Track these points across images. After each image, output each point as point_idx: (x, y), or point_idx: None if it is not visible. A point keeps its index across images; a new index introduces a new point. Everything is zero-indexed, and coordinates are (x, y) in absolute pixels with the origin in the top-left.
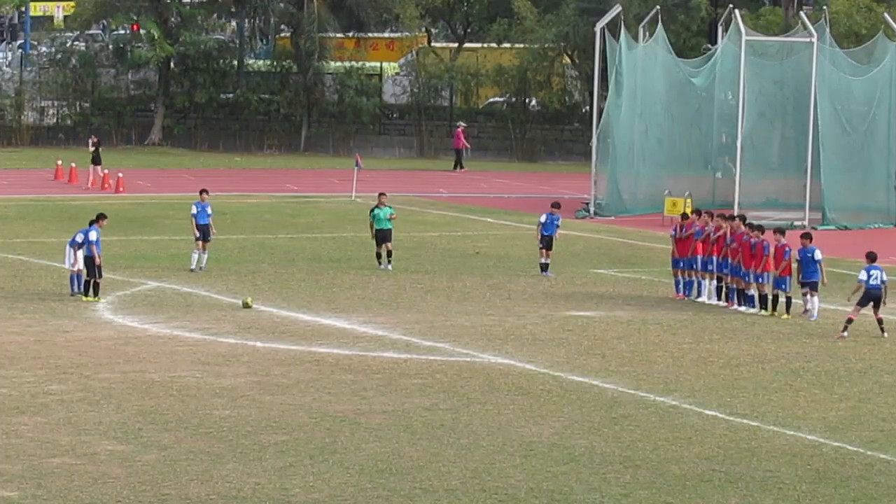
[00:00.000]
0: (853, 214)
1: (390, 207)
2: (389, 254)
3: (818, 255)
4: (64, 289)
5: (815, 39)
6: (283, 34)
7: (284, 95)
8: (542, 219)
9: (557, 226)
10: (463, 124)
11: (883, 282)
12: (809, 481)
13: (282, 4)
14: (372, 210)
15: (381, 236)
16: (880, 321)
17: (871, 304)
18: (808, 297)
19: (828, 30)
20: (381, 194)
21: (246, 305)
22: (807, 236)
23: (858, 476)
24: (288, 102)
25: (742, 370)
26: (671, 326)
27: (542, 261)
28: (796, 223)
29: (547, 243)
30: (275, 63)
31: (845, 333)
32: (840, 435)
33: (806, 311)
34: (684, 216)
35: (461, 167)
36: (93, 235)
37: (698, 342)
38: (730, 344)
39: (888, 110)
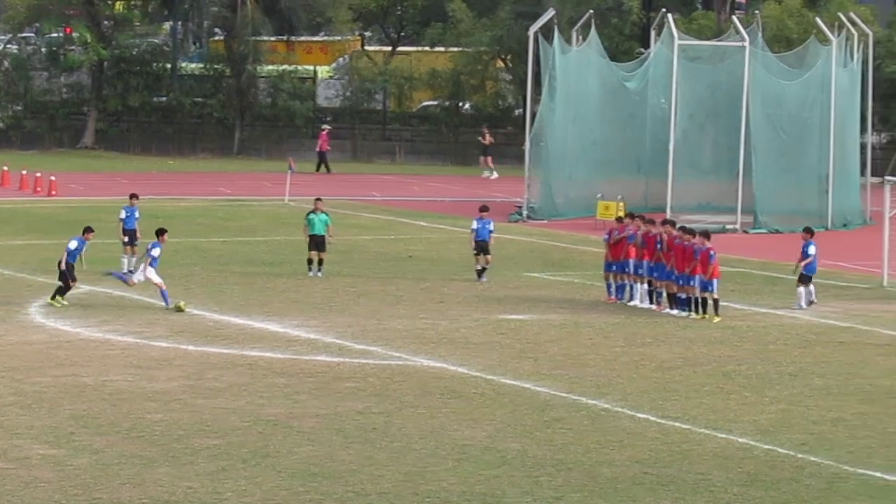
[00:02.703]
0: (785, 218)
1: (326, 214)
2: (321, 262)
3: (810, 249)
4: None
5: (747, 44)
6: (216, 37)
7: (218, 99)
8: (474, 225)
9: (490, 230)
10: (327, 126)
11: None
12: (741, 484)
13: (215, 8)
14: (307, 215)
15: (316, 242)
16: None
17: None
18: (804, 288)
19: (760, 34)
20: (317, 199)
21: (179, 309)
22: (807, 230)
23: (789, 479)
24: (221, 106)
25: (674, 373)
26: (603, 330)
27: (478, 267)
28: (728, 227)
29: (482, 248)
30: (208, 66)
31: None
32: (771, 438)
33: (812, 301)
34: (619, 220)
35: (327, 170)
36: (72, 244)
37: (630, 345)
38: (662, 347)
39: (820, 114)
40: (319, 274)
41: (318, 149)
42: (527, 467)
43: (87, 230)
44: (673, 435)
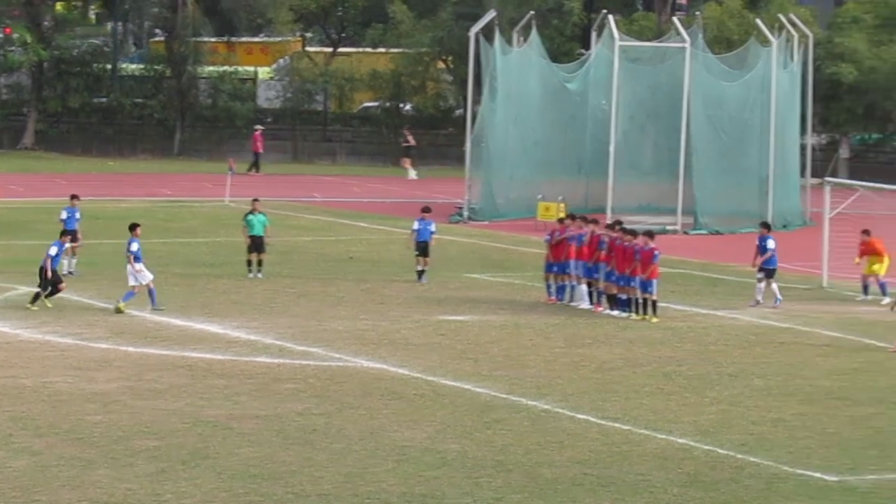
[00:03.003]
0: (725, 219)
1: (264, 215)
2: (260, 263)
3: (770, 243)
4: None
5: (687, 45)
6: (156, 38)
7: (158, 100)
8: (415, 226)
9: (432, 231)
10: (260, 127)
11: None
12: (680, 484)
13: (155, 9)
14: (246, 216)
15: (255, 243)
16: None
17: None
18: (762, 284)
19: (701, 35)
20: (254, 200)
21: (118, 311)
22: (764, 225)
23: (729, 479)
24: (162, 107)
25: (614, 374)
26: (544, 331)
27: (419, 268)
28: (669, 228)
29: (422, 250)
30: (148, 67)
31: None
32: (711, 438)
33: (757, 302)
34: (561, 221)
35: (248, 169)
36: (52, 250)
37: (571, 346)
38: (602, 348)
39: (760, 116)
40: (259, 275)
41: (253, 149)
42: (467, 468)
43: (65, 233)
44: (613, 436)
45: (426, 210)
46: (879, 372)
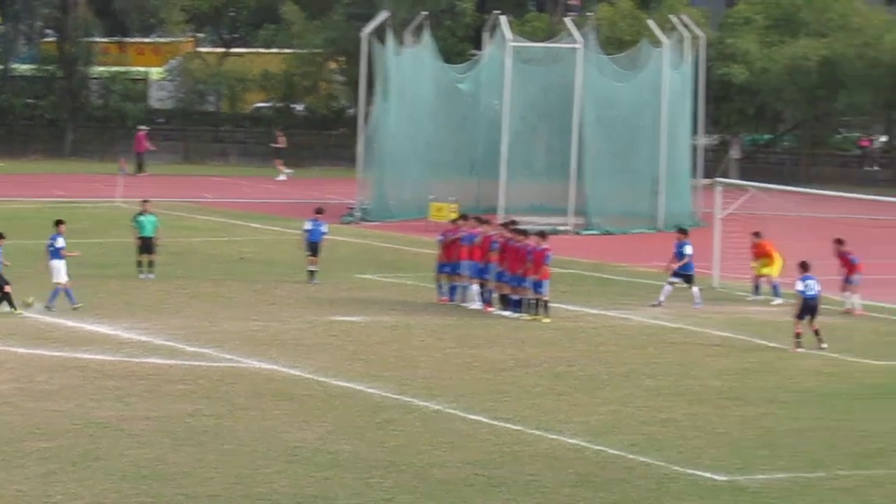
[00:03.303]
0: (617, 219)
1: (154, 216)
2: (151, 264)
3: (687, 249)
4: None
5: (579, 46)
6: (48, 39)
7: (49, 100)
8: (307, 226)
9: (323, 232)
10: (144, 128)
11: (818, 291)
12: (571, 485)
13: (46, 10)
14: (135, 217)
15: (145, 244)
16: (817, 332)
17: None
18: (670, 287)
19: (593, 36)
20: (144, 201)
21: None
22: (681, 231)
23: (619, 479)
24: (53, 107)
25: (505, 375)
26: (435, 331)
27: (310, 268)
28: (560, 228)
29: (314, 250)
30: (40, 67)
31: (800, 349)
32: (602, 439)
33: (660, 302)
34: (454, 221)
35: (141, 170)
36: None
37: (462, 347)
38: (494, 349)
39: (652, 116)
40: (151, 276)
41: (136, 150)
42: (358, 469)
43: None
44: (504, 436)
45: (319, 211)
46: (769, 372)
